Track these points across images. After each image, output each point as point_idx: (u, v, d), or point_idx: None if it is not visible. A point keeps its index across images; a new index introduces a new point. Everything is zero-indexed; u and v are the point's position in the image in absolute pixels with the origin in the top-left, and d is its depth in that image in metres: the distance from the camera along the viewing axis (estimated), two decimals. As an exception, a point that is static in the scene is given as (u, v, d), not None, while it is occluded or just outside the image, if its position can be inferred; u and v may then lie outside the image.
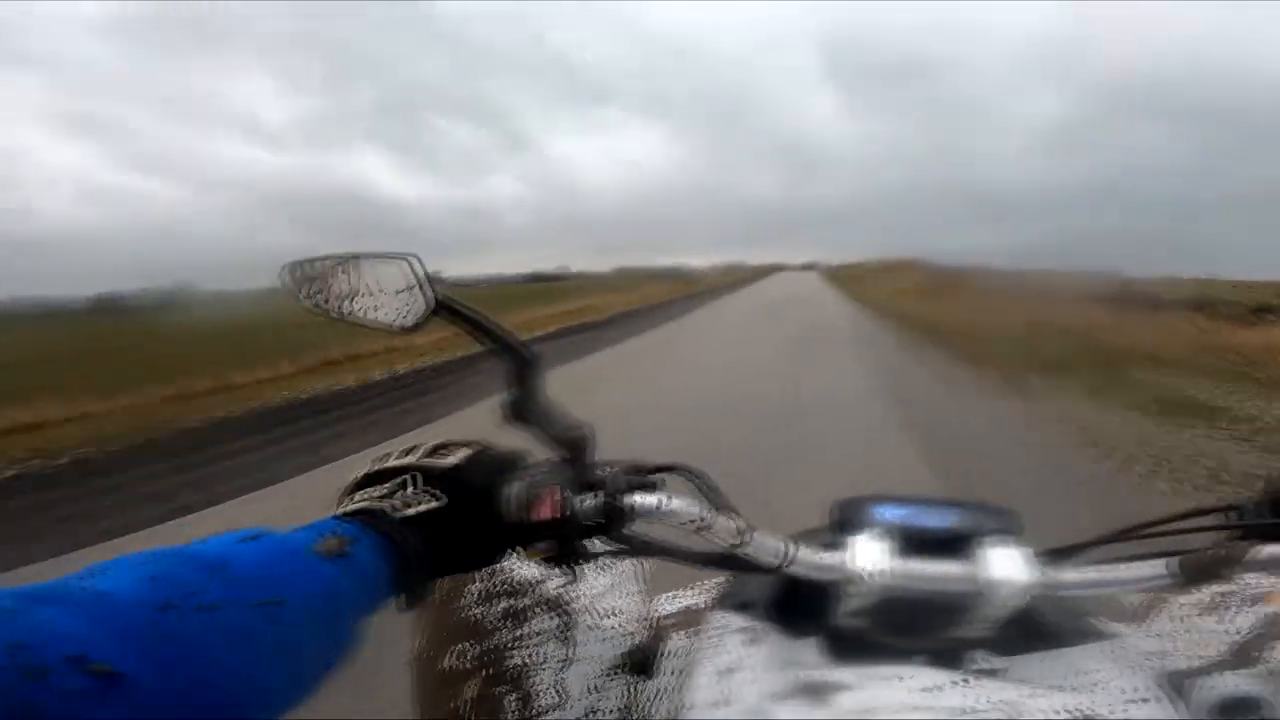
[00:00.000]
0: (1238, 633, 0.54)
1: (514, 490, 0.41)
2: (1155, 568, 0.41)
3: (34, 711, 0.20)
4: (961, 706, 0.36)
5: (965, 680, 0.38)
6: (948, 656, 0.42)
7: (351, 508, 0.37)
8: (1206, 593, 0.60)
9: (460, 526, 0.38)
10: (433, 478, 0.39)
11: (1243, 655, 0.51)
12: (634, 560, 0.68)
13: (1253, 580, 0.60)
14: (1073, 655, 0.43)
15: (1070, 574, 0.41)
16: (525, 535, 0.41)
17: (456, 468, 0.40)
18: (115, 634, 0.24)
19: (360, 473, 0.40)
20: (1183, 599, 0.60)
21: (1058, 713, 0.36)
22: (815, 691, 0.38)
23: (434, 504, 0.37)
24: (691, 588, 0.59)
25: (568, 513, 0.41)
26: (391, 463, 0.40)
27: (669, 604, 0.60)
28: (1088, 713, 0.36)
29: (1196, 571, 0.40)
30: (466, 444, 0.42)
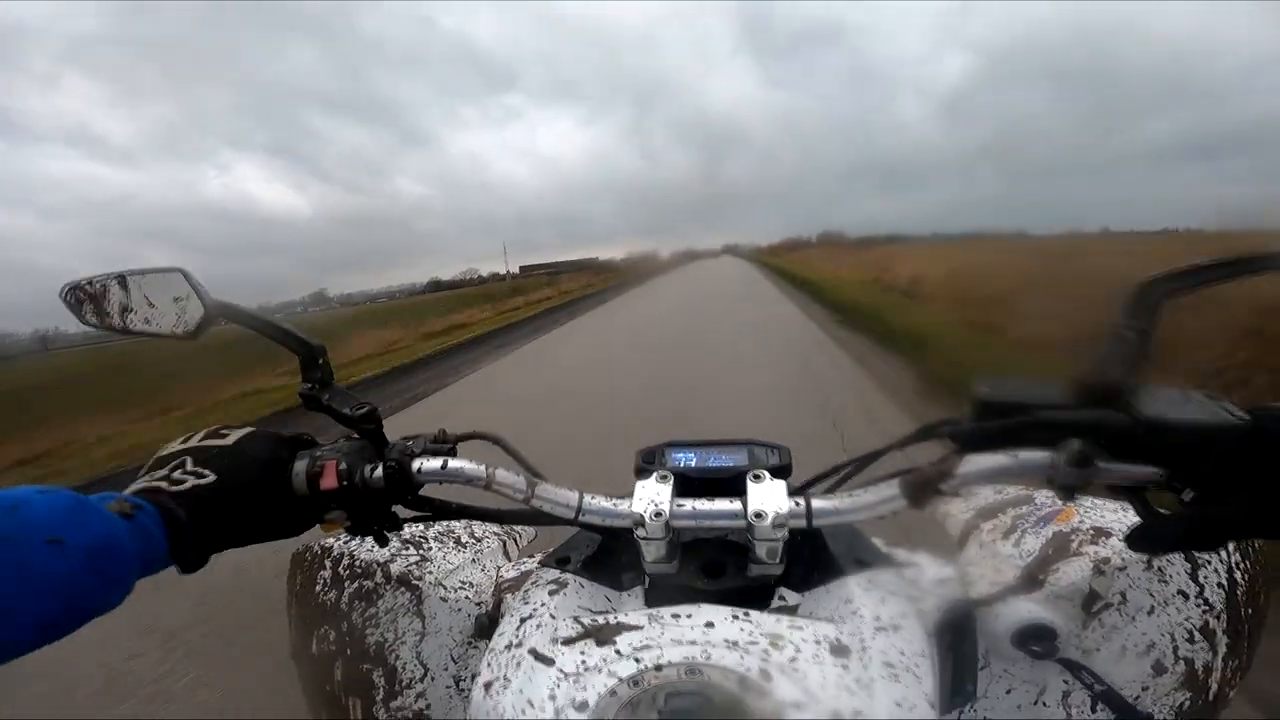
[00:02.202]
0: (1029, 555, 0.57)
1: (297, 465, 0.44)
2: (887, 489, 0.42)
3: None
4: (729, 640, 0.38)
5: (744, 615, 0.40)
6: (752, 595, 0.44)
7: (136, 486, 0.41)
8: (1006, 516, 0.64)
9: (234, 500, 0.42)
10: (206, 458, 0.43)
11: (1032, 579, 0.54)
12: (500, 535, 0.73)
13: (1041, 496, 0.65)
14: (845, 586, 0.44)
15: (821, 503, 0.43)
16: (317, 507, 0.45)
17: (228, 449, 0.44)
18: None
19: (150, 457, 0.44)
20: (986, 524, 0.64)
21: (815, 643, 0.38)
22: (600, 632, 0.40)
23: (202, 481, 0.42)
24: (538, 555, 0.62)
25: (353, 481, 0.44)
26: (170, 448, 0.44)
27: (512, 571, 0.64)
28: (835, 640, 0.38)
29: (917, 489, 0.41)
30: (244, 427, 0.46)
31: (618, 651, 0.38)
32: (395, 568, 0.62)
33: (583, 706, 0.34)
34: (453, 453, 0.49)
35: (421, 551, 0.65)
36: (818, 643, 0.38)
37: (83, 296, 0.45)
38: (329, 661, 0.60)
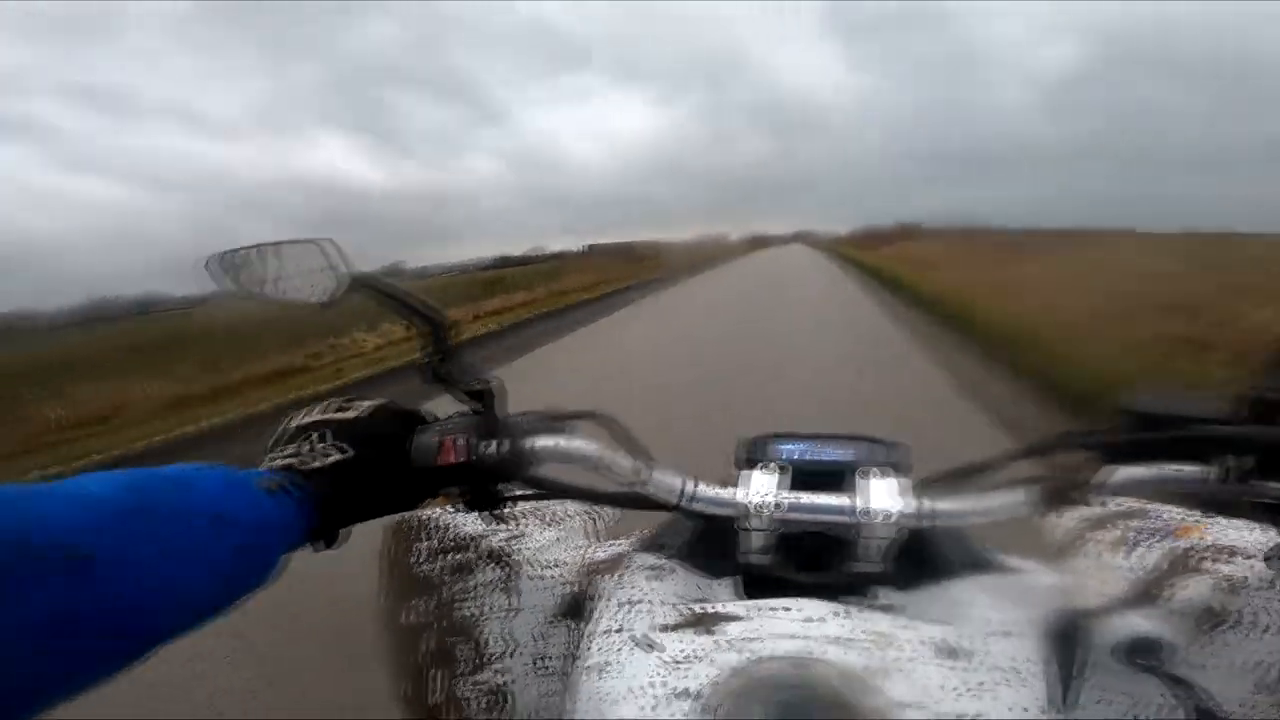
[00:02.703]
0: (1144, 569, 0.55)
1: (420, 439, 0.46)
2: (1018, 495, 0.42)
3: (23, 585, 0.26)
4: (835, 636, 0.37)
5: (848, 612, 0.40)
6: (853, 592, 0.44)
7: (276, 460, 0.42)
8: (1118, 528, 0.61)
9: (367, 475, 0.43)
10: (339, 432, 0.44)
11: (1146, 593, 0.52)
12: (586, 513, 0.74)
13: (1166, 512, 0.61)
14: (956, 588, 0.44)
15: (943, 504, 0.43)
16: (434, 481, 0.46)
17: (360, 421, 0.45)
18: (93, 528, 0.30)
19: (278, 430, 0.46)
20: (1100, 533, 0.61)
21: (924, 644, 0.37)
22: (703, 620, 0.40)
23: (339, 456, 0.42)
24: (626, 536, 0.63)
25: (472, 458, 0.45)
26: (302, 420, 0.45)
27: (602, 552, 0.64)
28: (946, 642, 0.37)
29: (1052, 496, 0.41)
30: (370, 400, 0.47)
31: (721, 641, 0.38)
32: (491, 543, 0.63)
33: (686, 695, 0.35)
34: (565, 431, 0.49)
35: (514, 528, 0.66)
36: (928, 644, 0.37)
37: (228, 265, 0.47)
38: (419, 633, 0.62)
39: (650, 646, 0.39)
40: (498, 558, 0.62)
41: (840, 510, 0.43)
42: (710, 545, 0.50)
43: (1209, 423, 0.39)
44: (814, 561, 0.45)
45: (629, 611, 0.43)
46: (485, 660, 0.60)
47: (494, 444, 0.46)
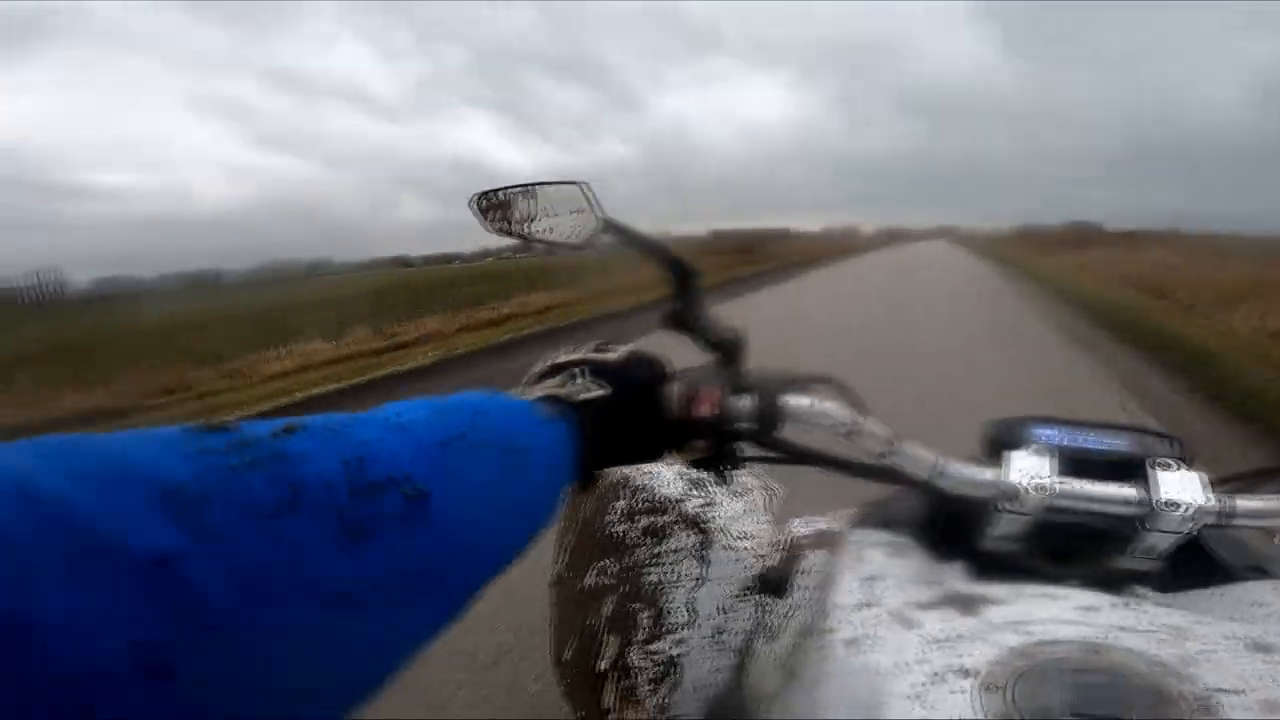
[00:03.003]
0: None
1: (675, 388, 0.44)
2: None
3: (360, 527, 0.23)
4: (1122, 625, 0.35)
5: (1128, 604, 0.38)
6: (1101, 584, 0.42)
7: (537, 391, 0.41)
8: None
9: (624, 418, 0.41)
10: (599, 371, 0.42)
11: None
12: (764, 489, 0.72)
13: None
14: (1246, 590, 0.41)
15: (1246, 503, 0.40)
16: (684, 434, 0.44)
17: (621, 362, 0.43)
18: (420, 457, 0.27)
19: (536, 368, 0.45)
20: None
21: (1228, 638, 0.35)
22: (963, 602, 0.38)
23: (602, 392, 0.41)
24: (826, 513, 0.61)
25: (723, 411, 0.43)
26: (562, 358, 0.44)
27: (803, 527, 0.62)
28: (1261, 641, 0.35)
29: None
30: (626, 344, 0.46)
31: (990, 622, 0.36)
32: (688, 507, 0.62)
33: (964, 673, 0.33)
34: (803, 390, 0.46)
35: (705, 495, 0.65)
36: (1233, 638, 0.35)
37: (490, 204, 0.49)
38: (600, 595, 0.62)
39: (910, 624, 0.37)
40: (696, 524, 0.61)
41: (1129, 501, 0.41)
42: (943, 524, 0.48)
43: None
44: (1069, 549, 0.43)
45: (873, 586, 0.42)
46: (664, 629, 0.59)
47: (746, 399, 0.44)
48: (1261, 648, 0.35)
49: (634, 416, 0.42)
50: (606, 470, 0.43)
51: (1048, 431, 0.46)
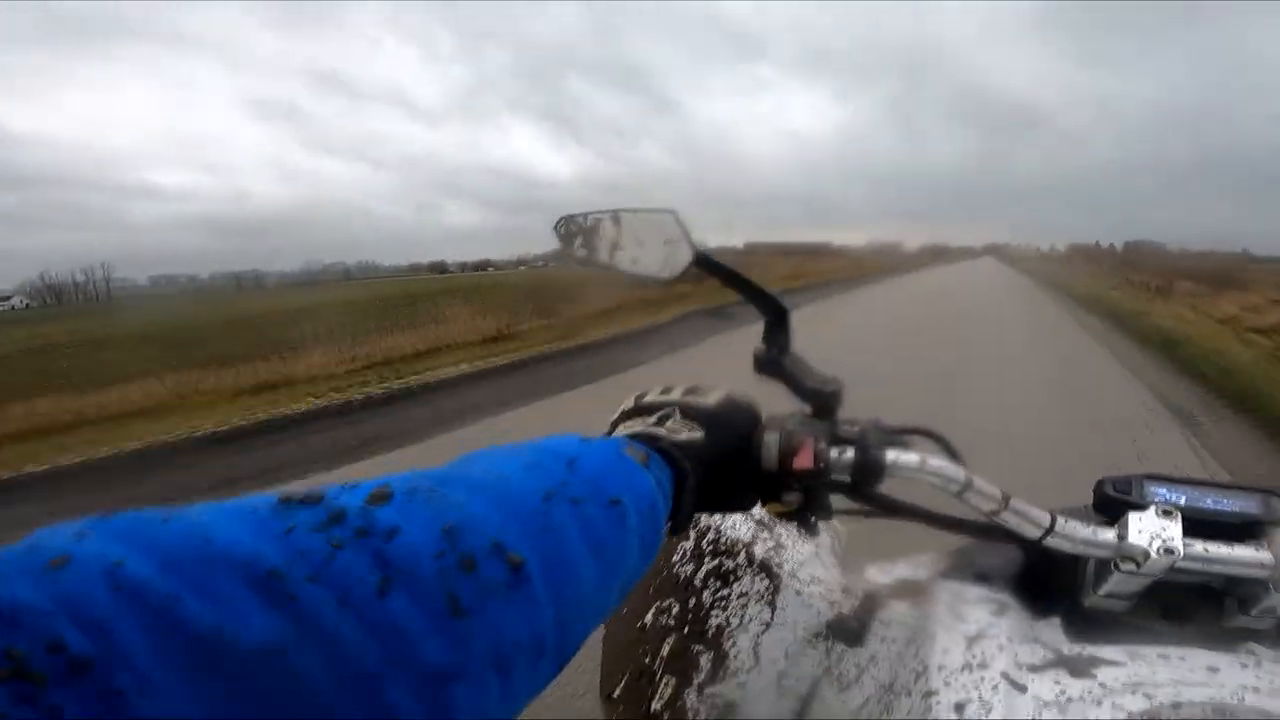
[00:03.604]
0: None
1: (772, 437, 0.41)
2: None
3: (460, 603, 0.22)
4: (1239, 686, 0.35)
5: (1246, 663, 0.37)
6: (1213, 644, 0.41)
7: (629, 429, 0.40)
8: None
9: (718, 464, 0.39)
10: (691, 414, 0.40)
11: None
12: (831, 532, 0.69)
13: None
14: None
15: None
16: (778, 484, 0.42)
17: (715, 407, 0.41)
18: (517, 521, 0.26)
19: (624, 406, 0.44)
20: None
21: None
22: (1070, 664, 0.37)
23: (695, 435, 0.39)
24: (906, 560, 0.59)
25: (823, 464, 0.41)
26: (652, 399, 0.43)
27: (881, 574, 0.60)
28: None
29: None
30: (721, 388, 0.44)
31: (1106, 686, 0.36)
32: (756, 550, 0.60)
33: None
34: (904, 445, 0.44)
35: (773, 537, 0.63)
36: None
37: (575, 229, 0.48)
38: (661, 635, 0.60)
39: (1022, 687, 0.37)
40: (766, 567, 0.59)
41: (1255, 564, 0.41)
42: (1042, 580, 0.47)
43: None
44: (1179, 608, 0.44)
45: (978, 647, 0.41)
46: (726, 673, 0.57)
47: (846, 452, 0.42)
48: None
49: (729, 464, 0.40)
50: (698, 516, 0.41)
51: (1164, 490, 0.45)
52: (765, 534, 0.64)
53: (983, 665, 0.39)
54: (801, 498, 0.42)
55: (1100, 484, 0.46)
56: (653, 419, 0.40)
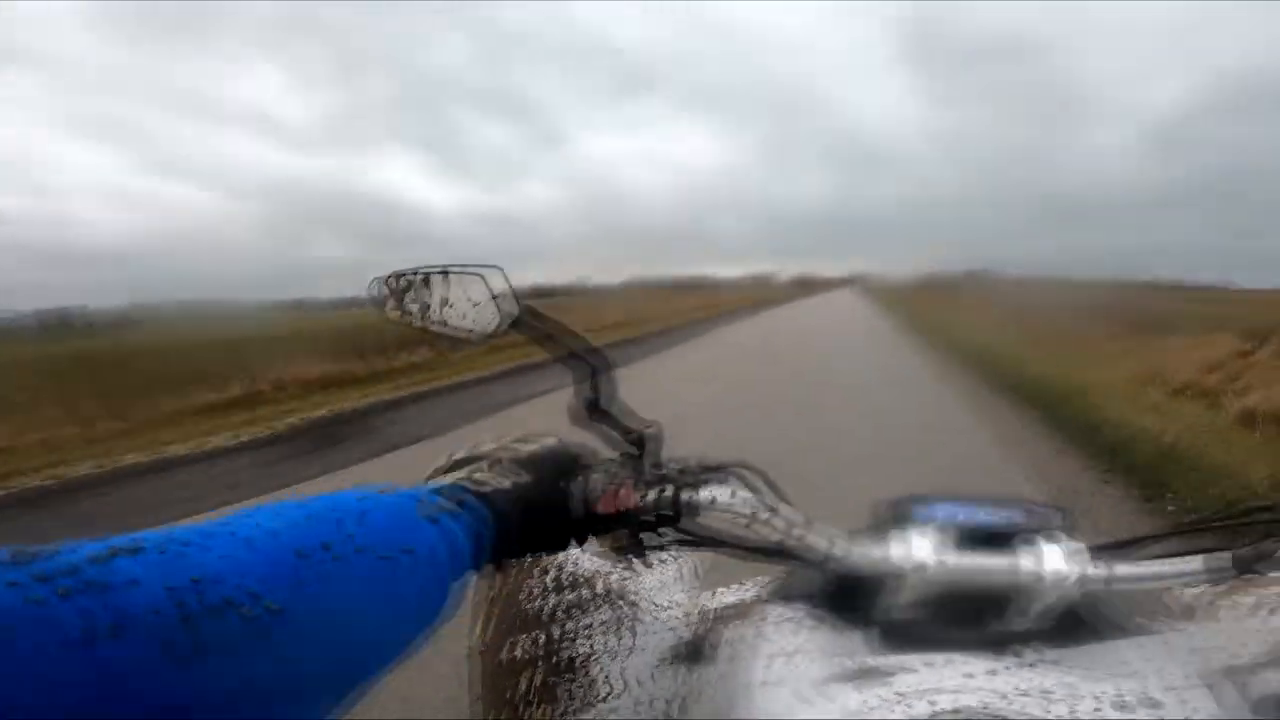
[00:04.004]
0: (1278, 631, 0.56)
1: (588, 482, 0.46)
2: (1207, 562, 0.44)
3: (191, 651, 0.23)
4: (1013, 689, 0.39)
5: (1018, 667, 0.42)
6: (996, 648, 0.46)
7: (444, 482, 0.42)
8: (1257, 589, 0.62)
9: (538, 509, 0.43)
10: (514, 463, 0.44)
11: None
12: (690, 556, 0.74)
13: None
14: (1117, 648, 0.46)
15: (1123, 568, 0.45)
16: (597, 525, 0.46)
17: (536, 455, 0.45)
18: (278, 571, 0.27)
19: (449, 458, 0.46)
20: (1234, 596, 0.62)
21: (1098, 699, 0.39)
22: (870, 674, 0.41)
23: (507, 484, 0.42)
24: (744, 582, 0.63)
25: (638, 505, 0.46)
26: (468, 453, 0.46)
27: (722, 597, 0.64)
28: (1126, 700, 0.39)
29: (1247, 564, 0.44)
30: (543, 437, 0.48)
31: (895, 694, 0.39)
32: (609, 581, 0.63)
33: None
34: (719, 482, 0.49)
35: (625, 567, 0.66)
36: (1105, 699, 0.39)
37: (390, 290, 0.48)
38: (523, 669, 0.62)
39: (827, 698, 0.40)
40: (620, 596, 0.62)
41: (1014, 572, 0.45)
42: (848, 597, 0.51)
43: None
44: (968, 615, 0.47)
45: (776, 665, 0.44)
46: (596, 699, 0.59)
47: (656, 492, 0.46)
48: (1130, 708, 0.39)
49: (548, 507, 0.44)
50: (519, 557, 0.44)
51: (942, 507, 0.50)
52: (617, 564, 0.67)
53: (784, 682, 0.42)
54: (623, 535, 0.46)
55: (887, 504, 0.51)
56: (464, 472, 0.43)
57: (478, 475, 0.43)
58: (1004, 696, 0.39)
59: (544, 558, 0.66)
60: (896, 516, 0.50)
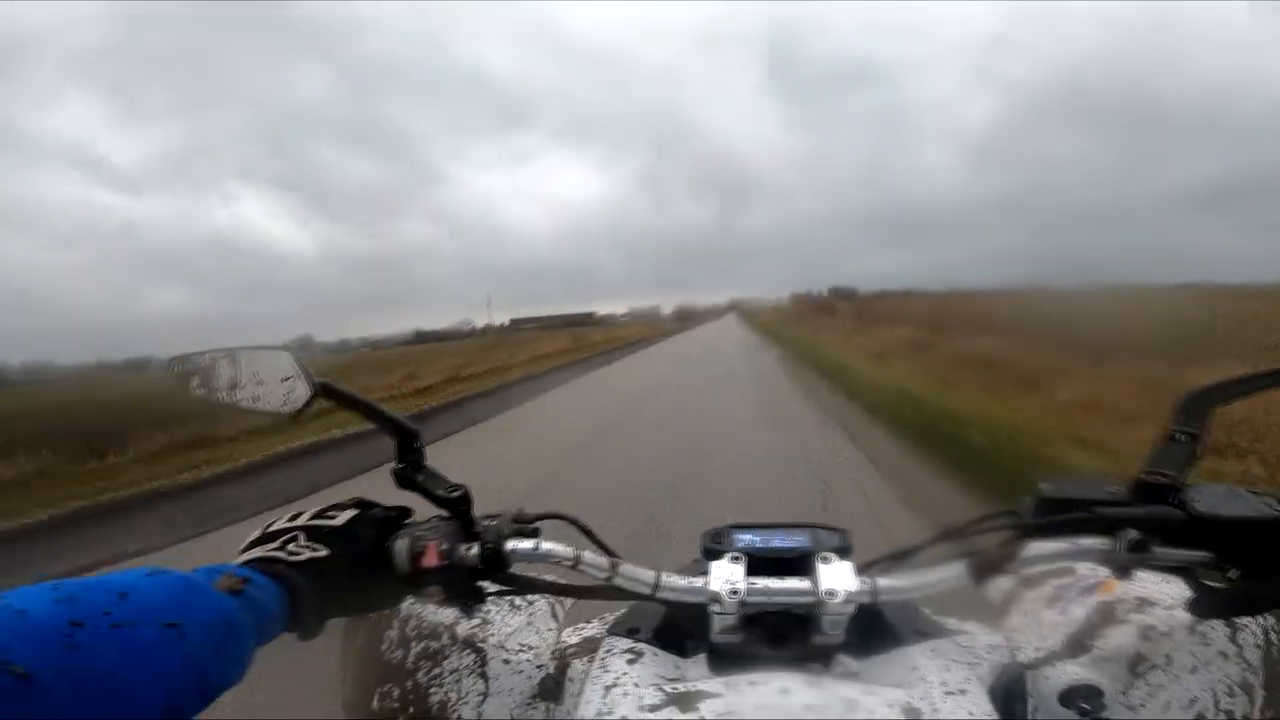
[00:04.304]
0: (1075, 622, 0.62)
1: (399, 544, 0.49)
2: (952, 570, 0.48)
3: None
4: (808, 704, 0.42)
5: (815, 682, 0.45)
6: (813, 662, 0.50)
7: (248, 556, 0.45)
8: (1050, 585, 0.69)
9: (349, 574, 0.46)
10: (318, 536, 0.47)
11: (1079, 644, 0.59)
12: (549, 599, 0.76)
13: (1086, 570, 0.69)
14: (910, 654, 0.50)
15: (887, 581, 0.49)
16: (415, 582, 0.49)
17: (339, 528, 0.48)
18: (30, 643, 0.29)
19: (263, 529, 0.48)
20: (1037, 589, 0.69)
21: (890, 705, 0.42)
22: (683, 700, 0.44)
23: (318, 554, 0.45)
24: (595, 620, 0.66)
25: (451, 561, 0.49)
26: (278, 526, 0.48)
27: (574, 635, 0.68)
28: (907, 704, 0.43)
29: (982, 570, 0.47)
30: (353, 504, 0.51)
31: (720, 715, 0.42)
32: (460, 630, 0.65)
33: None
34: (537, 533, 0.53)
35: (483, 614, 0.69)
36: (892, 706, 0.42)
37: (191, 369, 0.48)
38: (389, 718, 0.64)
39: None
40: (470, 643, 0.64)
41: (800, 593, 0.49)
42: (681, 627, 0.54)
43: (1106, 505, 0.47)
44: (778, 635, 0.50)
45: (610, 696, 0.47)
46: None
47: (471, 547, 0.50)
48: (913, 712, 0.42)
49: (364, 570, 0.48)
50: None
51: (745, 536, 0.55)
52: (470, 613, 0.67)
53: (610, 711, 0.45)
54: (442, 590, 0.49)
55: (702, 536, 0.56)
56: (275, 544, 0.45)
57: (291, 546, 0.45)
58: (812, 708, 0.42)
59: (399, 611, 0.68)
60: (709, 548, 0.54)
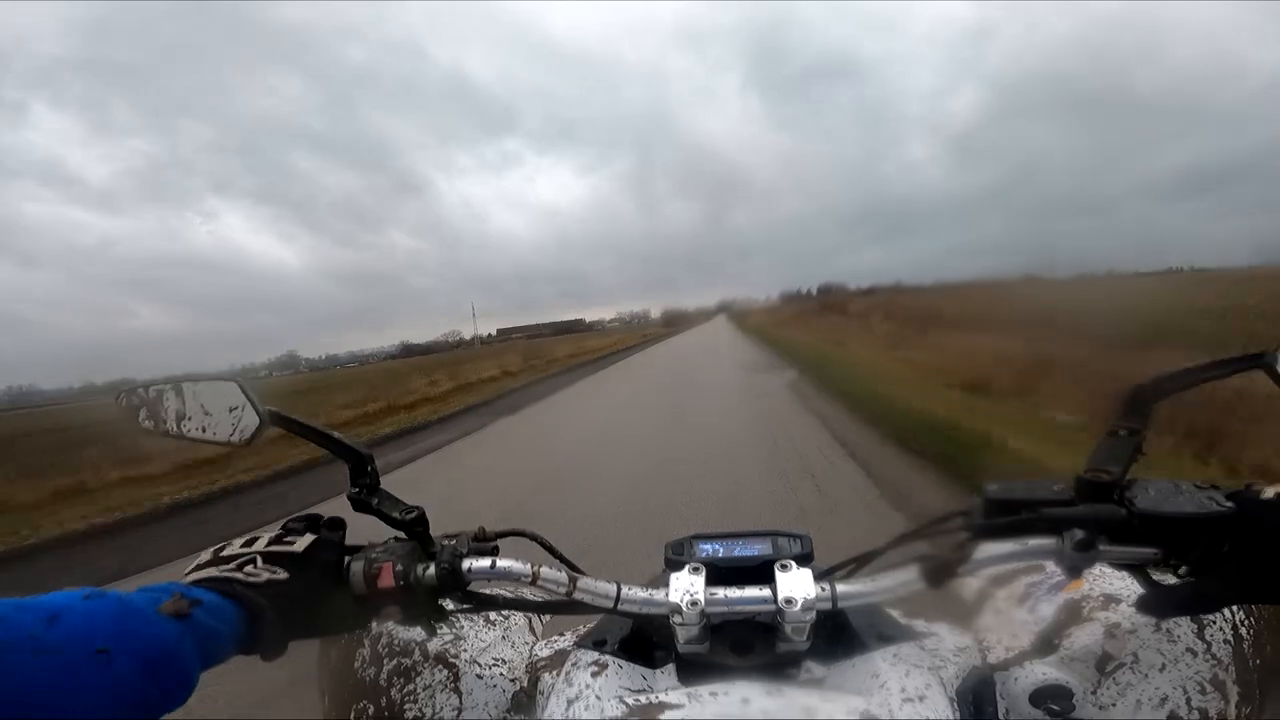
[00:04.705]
0: (1043, 621, 0.62)
1: (355, 566, 0.49)
2: (907, 573, 0.48)
3: None
4: (765, 713, 0.42)
5: (778, 691, 0.45)
6: (780, 669, 0.50)
7: (200, 576, 0.44)
8: (1019, 584, 0.69)
9: (306, 597, 0.46)
10: (276, 560, 0.46)
11: (1048, 643, 0.59)
12: (521, 615, 0.76)
13: (1054, 568, 0.66)
14: (871, 660, 0.50)
15: (845, 587, 0.49)
16: (374, 603, 0.49)
17: (296, 555, 0.48)
18: None
19: (214, 552, 0.47)
20: (1006, 588, 0.68)
21: (849, 713, 0.42)
22: (644, 711, 0.44)
23: (277, 576, 0.45)
24: (569, 632, 0.67)
25: (407, 581, 0.49)
26: (231, 550, 0.47)
27: (547, 649, 0.68)
28: (866, 712, 0.43)
29: (934, 573, 0.47)
30: (308, 535, 0.50)
31: None
32: (432, 646, 0.65)
33: None
34: (496, 550, 0.53)
35: (455, 630, 0.69)
36: (854, 713, 0.42)
37: (138, 402, 0.48)
38: None
39: None
40: (443, 659, 0.65)
41: (761, 601, 0.49)
42: (644, 638, 0.55)
43: (1051, 505, 0.47)
44: (745, 644, 0.51)
45: (573, 709, 0.47)
46: None
47: (429, 567, 0.50)
48: (869, 716, 0.43)
49: (322, 593, 0.47)
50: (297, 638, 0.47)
51: (706, 546, 0.55)
52: (443, 629, 0.68)
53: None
54: (401, 610, 0.49)
55: (665, 547, 0.56)
56: (231, 566, 0.45)
57: (249, 569, 0.45)
58: (772, 717, 0.42)
59: (372, 629, 0.68)
60: (672, 559, 0.54)
